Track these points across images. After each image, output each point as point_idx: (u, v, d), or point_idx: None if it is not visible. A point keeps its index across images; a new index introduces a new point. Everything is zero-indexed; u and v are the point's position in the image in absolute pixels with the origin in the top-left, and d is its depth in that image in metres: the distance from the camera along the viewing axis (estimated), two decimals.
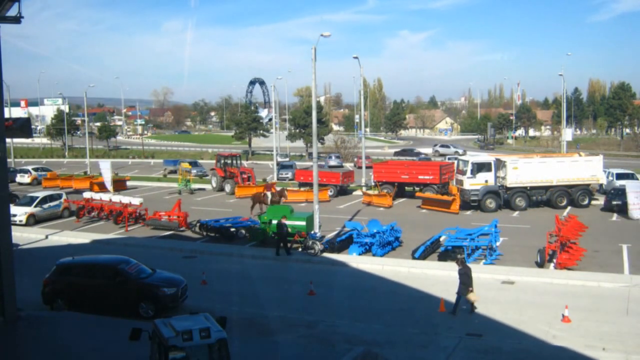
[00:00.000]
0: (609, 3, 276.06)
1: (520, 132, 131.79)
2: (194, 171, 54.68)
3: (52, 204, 34.79)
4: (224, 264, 24.72)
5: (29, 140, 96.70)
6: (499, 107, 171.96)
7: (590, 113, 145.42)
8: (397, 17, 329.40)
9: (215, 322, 10.28)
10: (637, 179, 41.15)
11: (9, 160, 30.70)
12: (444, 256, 24.07)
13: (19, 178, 53.15)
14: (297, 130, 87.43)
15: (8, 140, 27.99)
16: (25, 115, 79.90)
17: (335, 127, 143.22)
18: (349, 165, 67.90)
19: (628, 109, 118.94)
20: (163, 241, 28.95)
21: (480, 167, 36.35)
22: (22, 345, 15.75)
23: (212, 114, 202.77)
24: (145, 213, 32.81)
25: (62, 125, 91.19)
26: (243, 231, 29.11)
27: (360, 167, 54.87)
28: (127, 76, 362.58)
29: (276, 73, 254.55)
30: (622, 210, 34.43)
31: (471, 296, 17.40)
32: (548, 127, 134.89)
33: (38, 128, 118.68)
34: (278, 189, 38.54)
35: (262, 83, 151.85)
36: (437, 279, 21.74)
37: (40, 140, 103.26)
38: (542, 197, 36.38)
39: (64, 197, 36.55)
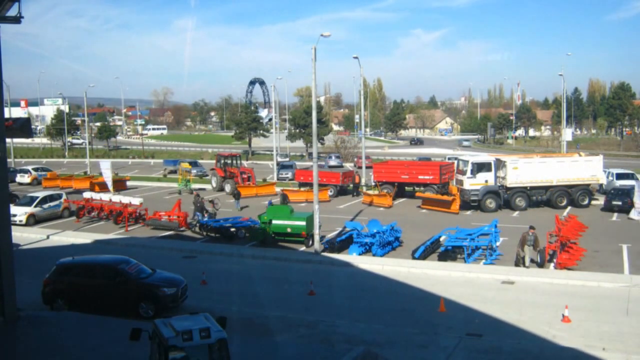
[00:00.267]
0: (610, 3, 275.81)
1: (520, 132, 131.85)
2: (194, 171, 54.70)
3: (52, 204, 34.79)
4: (224, 264, 24.72)
5: (29, 140, 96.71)
6: (499, 107, 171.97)
7: (590, 113, 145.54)
8: (413, 15, 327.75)
9: (215, 322, 10.27)
10: (637, 179, 41.17)
11: (9, 160, 30.70)
12: (444, 256, 24.08)
13: (19, 178, 53.15)
14: (297, 130, 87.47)
15: (8, 140, 27.97)
16: (25, 115, 79.94)
17: (335, 127, 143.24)
18: (349, 165, 67.92)
19: (628, 109, 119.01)
20: (163, 241, 28.93)
21: (480, 167, 36.35)
22: (22, 345, 15.74)
23: (212, 114, 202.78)
24: (145, 213, 32.81)
25: (62, 125, 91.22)
26: (243, 231, 29.13)
27: (360, 167, 54.90)
28: (127, 76, 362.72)
29: (283, 73, 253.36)
30: (623, 210, 34.46)
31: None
32: (548, 127, 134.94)
33: (38, 128, 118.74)
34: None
35: (262, 83, 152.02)
36: (437, 279, 21.75)
37: (40, 140, 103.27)
38: (542, 197, 36.38)
39: (64, 197, 36.55)
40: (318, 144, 40.78)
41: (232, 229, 29.15)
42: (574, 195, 36.51)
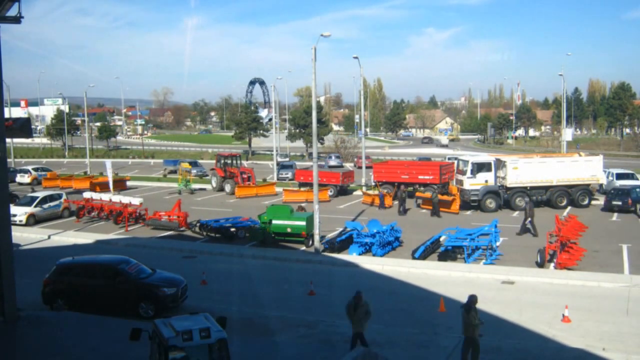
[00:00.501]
0: (610, 3, 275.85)
1: (520, 132, 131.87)
2: (194, 171, 54.74)
3: (52, 204, 34.79)
4: (224, 264, 24.71)
5: (29, 140, 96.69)
6: (499, 107, 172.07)
7: (590, 113, 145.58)
8: (427, 13, 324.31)
9: (215, 322, 10.28)
10: (637, 179, 41.21)
11: (9, 160, 30.69)
12: (444, 256, 24.07)
13: (19, 178, 53.18)
14: (297, 130, 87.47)
15: (8, 140, 27.97)
16: (25, 115, 79.83)
17: (335, 127, 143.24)
18: (349, 165, 67.91)
19: (628, 109, 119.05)
20: (163, 241, 28.93)
21: (480, 167, 36.34)
22: (22, 345, 15.75)
23: (212, 114, 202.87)
24: (145, 213, 32.81)
25: (62, 125, 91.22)
26: (243, 231, 29.13)
27: (360, 167, 54.89)
28: (127, 76, 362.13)
29: (284, 73, 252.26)
30: (623, 210, 34.47)
31: None
32: (548, 127, 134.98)
33: (38, 128, 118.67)
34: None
35: (262, 83, 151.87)
36: (437, 279, 21.75)
37: (40, 140, 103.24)
38: (542, 197, 36.36)
39: (64, 197, 36.55)
40: (318, 144, 40.77)
41: (232, 229, 29.14)
42: (574, 195, 36.50)
